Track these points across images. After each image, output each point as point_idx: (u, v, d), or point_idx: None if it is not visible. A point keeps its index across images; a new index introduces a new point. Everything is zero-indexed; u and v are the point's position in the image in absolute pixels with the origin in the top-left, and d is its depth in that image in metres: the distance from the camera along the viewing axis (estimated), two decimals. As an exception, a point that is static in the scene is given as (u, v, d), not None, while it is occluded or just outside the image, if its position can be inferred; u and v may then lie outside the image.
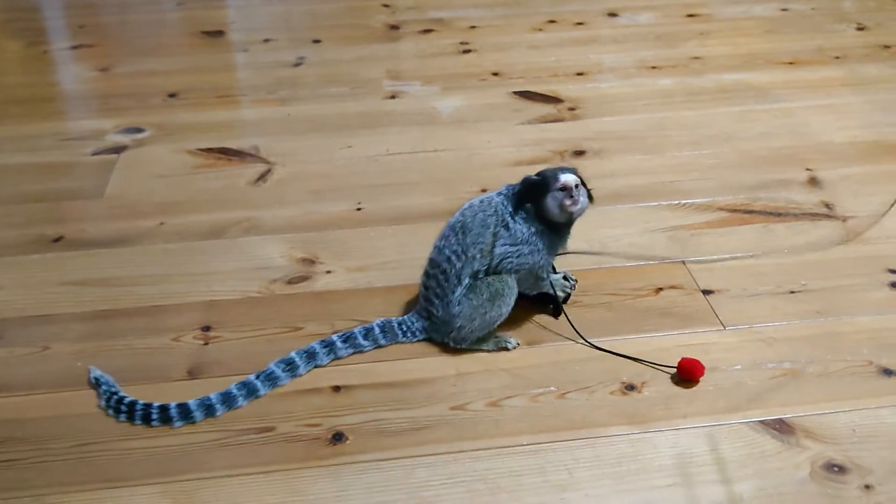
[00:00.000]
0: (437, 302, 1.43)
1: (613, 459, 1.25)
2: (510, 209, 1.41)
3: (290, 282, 1.62)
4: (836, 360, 1.42)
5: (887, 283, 1.59)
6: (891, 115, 2.18)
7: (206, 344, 1.47)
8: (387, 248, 1.71)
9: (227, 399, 1.34)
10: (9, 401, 1.37)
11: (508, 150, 2.05)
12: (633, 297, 1.56)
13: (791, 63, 2.46)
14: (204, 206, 1.86)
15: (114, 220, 1.82)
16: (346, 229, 1.77)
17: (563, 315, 1.49)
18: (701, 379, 1.37)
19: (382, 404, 1.35)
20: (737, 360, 1.42)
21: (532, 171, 1.44)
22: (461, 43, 2.63)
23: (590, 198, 1.43)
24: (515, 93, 2.32)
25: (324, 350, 1.42)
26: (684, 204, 1.83)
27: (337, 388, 1.38)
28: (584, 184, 1.41)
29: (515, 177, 1.45)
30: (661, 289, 1.58)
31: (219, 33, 2.76)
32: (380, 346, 1.45)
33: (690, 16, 2.81)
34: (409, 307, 1.52)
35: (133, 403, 1.33)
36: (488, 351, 1.44)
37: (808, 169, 1.81)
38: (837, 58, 2.48)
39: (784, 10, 2.84)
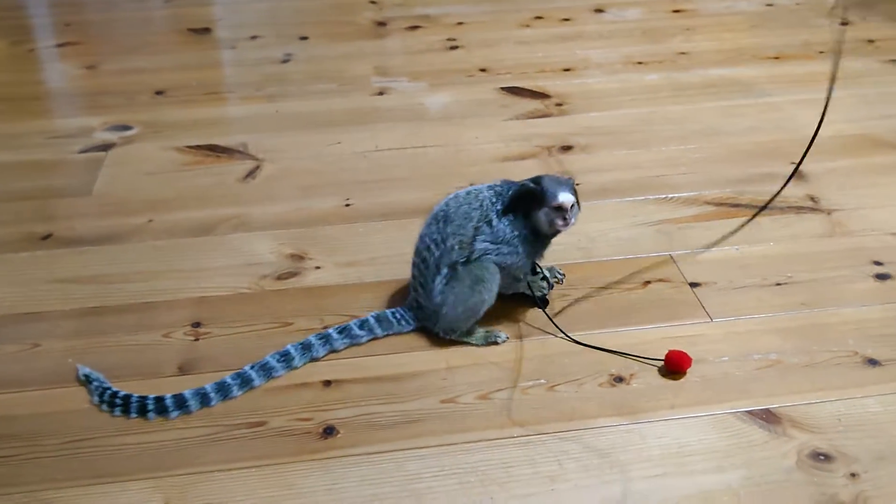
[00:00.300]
0: (421, 291, 1.44)
1: (603, 450, 1.26)
2: (498, 207, 1.41)
3: (280, 277, 1.63)
4: (821, 350, 1.43)
5: (872, 274, 1.61)
6: (875, 108, 2.20)
7: (196, 340, 1.48)
8: (376, 244, 1.71)
9: (222, 388, 1.34)
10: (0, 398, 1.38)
11: (496, 145, 2.05)
12: (621, 291, 1.57)
13: (777, 58, 2.48)
14: (193, 203, 1.86)
15: (102, 217, 1.82)
16: (334, 225, 1.78)
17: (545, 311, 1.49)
18: (688, 370, 1.38)
19: (373, 398, 1.36)
20: (724, 351, 1.43)
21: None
22: (448, 39, 2.64)
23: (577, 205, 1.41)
24: (503, 88, 2.33)
25: (319, 342, 1.42)
26: (671, 198, 1.84)
27: (328, 383, 1.39)
28: (578, 203, 1.40)
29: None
30: (648, 282, 1.59)
31: (206, 30, 2.76)
32: (375, 337, 1.45)
33: (676, 11, 2.82)
34: (398, 302, 1.53)
35: (128, 397, 1.33)
36: (478, 345, 1.45)
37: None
38: (822, 52, 2.50)
39: (769, 5, 2.86)
